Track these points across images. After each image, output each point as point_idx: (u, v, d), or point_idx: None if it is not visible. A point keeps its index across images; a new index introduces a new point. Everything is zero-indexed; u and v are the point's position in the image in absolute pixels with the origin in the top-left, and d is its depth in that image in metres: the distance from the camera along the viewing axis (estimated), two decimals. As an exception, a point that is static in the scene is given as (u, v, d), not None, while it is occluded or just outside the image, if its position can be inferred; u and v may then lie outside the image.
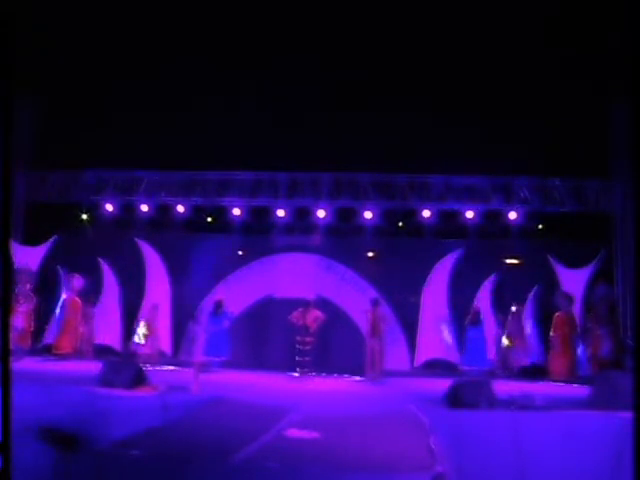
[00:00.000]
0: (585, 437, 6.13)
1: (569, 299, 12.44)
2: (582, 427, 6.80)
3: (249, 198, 13.60)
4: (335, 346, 12.97)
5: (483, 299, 12.92)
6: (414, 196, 13.30)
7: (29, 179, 13.66)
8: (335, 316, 13.10)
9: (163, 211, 14.01)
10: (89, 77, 12.81)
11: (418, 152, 12.46)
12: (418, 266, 13.44)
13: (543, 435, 6.30)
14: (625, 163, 12.17)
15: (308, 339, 12.01)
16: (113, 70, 12.77)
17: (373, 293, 13.13)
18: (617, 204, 12.69)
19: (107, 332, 13.62)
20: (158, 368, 11.87)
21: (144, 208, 13.84)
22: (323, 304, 12.84)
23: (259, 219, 13.86)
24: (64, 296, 13.47)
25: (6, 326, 3.46)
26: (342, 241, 14.06)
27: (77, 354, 12.86)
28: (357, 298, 13.32)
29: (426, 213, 13.27)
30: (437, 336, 13.12)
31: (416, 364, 13.16)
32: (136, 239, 14.00)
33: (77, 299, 13.17)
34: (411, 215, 13.58)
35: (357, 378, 12.13)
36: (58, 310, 13.33)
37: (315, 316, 12.09)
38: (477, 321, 12.21)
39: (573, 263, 12.96)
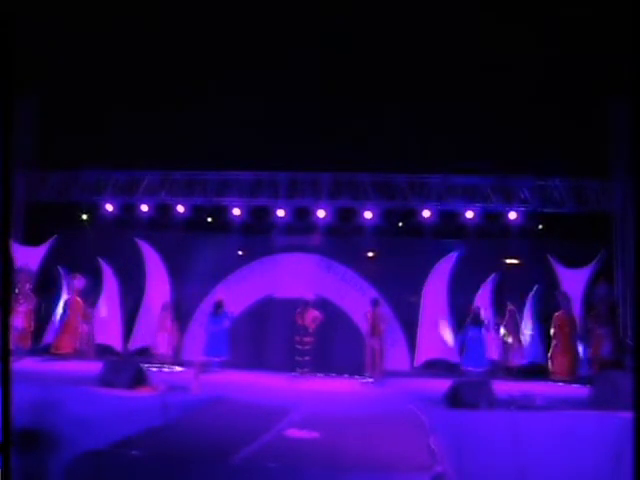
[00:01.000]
0: (585, 437, 6.13)
1: (567, 298, 12.45)
2: (582, 427, 6.79)
3: (249, 198, 13.60)
4: (335, 346, 12.97)
5: (483, 299, 12.92)
6: (414, 196, 13.30)
7: (29, 179, 13.65)
8: (335, 316, 13.10)
9: (163, 211, 13.99)
10: (89, 77, 12.81)
11: (418, 152, 12.45)
12: (418, 266, 13.43)
13: (543, 435, 6.29)
14: (625, 163, 12.18)
15: (307, 339, 12.01)
16: (113, 70, 12.76)
17: (373, 293, 13.13)
18: (617, 204, 12.68)
19: (107, 332, 13.61)
20: (172, 368, 11.95)
21: (144, 208, 13.84)
22: (323, 304, 12.84)
23: (259, 219, 13.86)
24: (65, 296, 13.47)
25: (6, 326, 3.46)
26: (342, 241, 14.05)
27: (77, 354, 12.86)
28: (357, 298, 13.31)
29: (426, 213, 13.26)
30: (437, 336, 13.12)
31: (416, 364, 13.15)
32: (136, 239, 13.98)
33: (78, 299, 13.17)
34: (411, 215, 13.57)
35: (357, 378, 12.13)
36: (61, 310, 13.33)
37: (314, 316, 12.10)
38: (477, 321, 12.20)
39: (573, 263, 12.95)
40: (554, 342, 12.32)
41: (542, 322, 12.78)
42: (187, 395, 8.67)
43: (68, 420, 5.52)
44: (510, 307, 12.65)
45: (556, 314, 12.41)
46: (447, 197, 13.24)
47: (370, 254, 13.90)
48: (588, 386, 9.24)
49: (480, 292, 13.00)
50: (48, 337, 13.45)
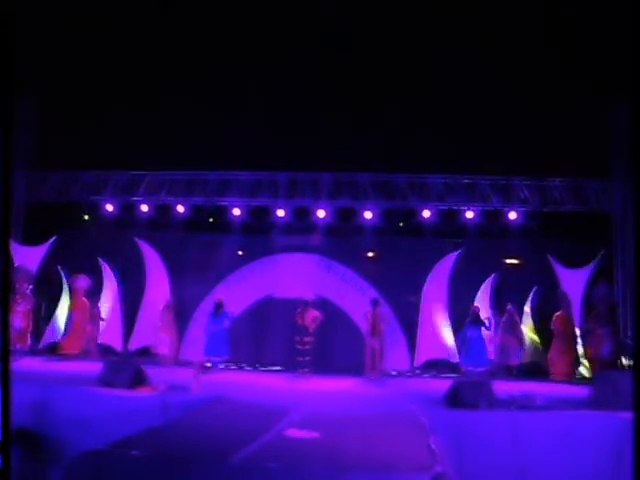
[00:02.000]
0: (585, 437, 6.13)
1: (568, 299, 12.45)
2: (582, 427, 6.79)
3: (249, 198, 13.60)
4: (335, 346, 12.97)
5: (483, 299, 12.93)
6: (414, 196, 13.30)
7: (29, 179, 13.65)
8: (335, 316, 13.10)
9: (163, 211, 14.00)
10: (89, 77, 12.81)
11: (418, 152, 12.45)
12: (418, 266, 13.44)
13: (543, 435, 6.29)
14: (625, 163, 12.18)
15: (307, 339, 12.00)
16: (113, 70, 12.76)
17: (373, 293, 13.12)
18: (617, 204, 12.69)
19: (107, 332, 13.61)
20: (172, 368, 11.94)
21: (144, 208, 13.84)
22: (323, 304, 12.84)
23: (259, 219, 13.86)
24: (67, 296, 13.47)
25: (6, 326, 3.46)
26: (342, 241, 14.05)
27: (83, 354, 12.85)
28: (357, 298, 13.31)
29: (426, 213, 13.27)
30: (437, 336, 13.13)
31: (416, 364, 13.15)
32: (136, 239, 13.99)
33: (85, 299, 13.17)
34: (411, 215, 13.57)
35: (357, 378, 12.13)
36: (67, 311, 13.32)
37: (313, 316, 12.10)
38: (477, 321, 12.20)
39: (573, 263, 12.96)
40: (554, 342, 12.32)
41: (542, 322, 12.78)
42: (187, 395, 8.67)
43: (68, 420, 5.53)
44: (509, 307, 12.66)
45: (556, 314, 12.40)
46: (447, 197, 13.25)
47: (370, 254, 13.91)
48: (588, 386, 9.24)
49: (480, 292, 13.01)
50: (49, 337, 13.47)
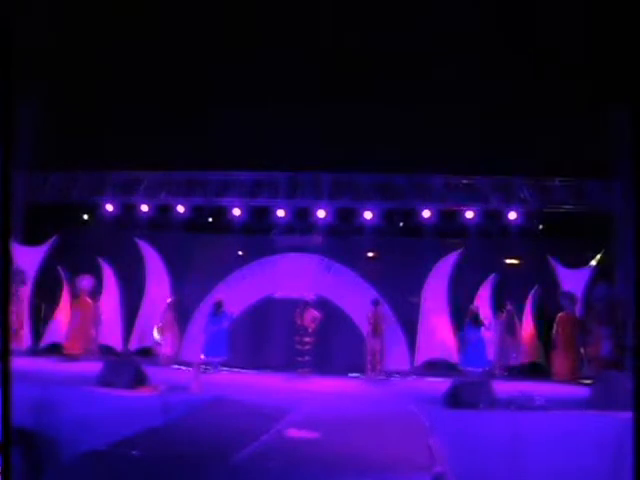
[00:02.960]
0: (585, 437, 6.14)
1: (572, 299, 12.44)
2: (582, 427, 6.80)
3: (249, 198, 13.61)
4: (335, 346, 12.96)
5: (483, 299, 12.92)
6: (414, 196, 13.30)
7: (29, 179, 13.65)
8: (335, 316, 13.10)
9: (163, 211, 14.00)
10: (89, 77, 12.80)
11: (418, 152, 12.45)
12: (418, 266, 13.43)
13: (543, 435, 6.30)
14: (625, 163, 12.17)
15: (307, 339, 12.01)
16: (113, 70, 12.76)
17: (373, 293, 13.12)
18: (617, 204, 12.68)
19: (107, 332, 13.60)
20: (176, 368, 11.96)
21: (144, 208, 13.84)
22: (323, 304, 12.84)
23: (259, 219, 13.86)
24: (69, 297, 13.47)
25: (6, 326, 3.46)
26: (342, 241, 14.05)
27: (87, 354, 12.83)
28: (357, 298, 13.31)
29: (426, 213, 13.27)
30: (437, 336, 13.12)
31: (416, 364, 13.14)
32: (136, 239, 13.99)
33: (88, 300, 13.17)
34: (411, 215, 13.57)
35: (357, 378, 12.12)
36: (70, 311, 13.31)
37: (313, 316, 12.10)
38: (477, 321, 12.20)
39: (573, 263, 12.96)
40: (556, 343, 12.32)
41: (542, 322, 12.78)
42: (187, 395, 8.67)
43: (68, 420, 5.53)
44: (508, 307, 12.65)
45: (559, 315, 12.41)
46: (447, 197, 13.24)
47: (370, 254, 13.91)
48: (588, 386, 9.24)
49: (480, 292, 13.01)
50: (49, 337, 13.45)
